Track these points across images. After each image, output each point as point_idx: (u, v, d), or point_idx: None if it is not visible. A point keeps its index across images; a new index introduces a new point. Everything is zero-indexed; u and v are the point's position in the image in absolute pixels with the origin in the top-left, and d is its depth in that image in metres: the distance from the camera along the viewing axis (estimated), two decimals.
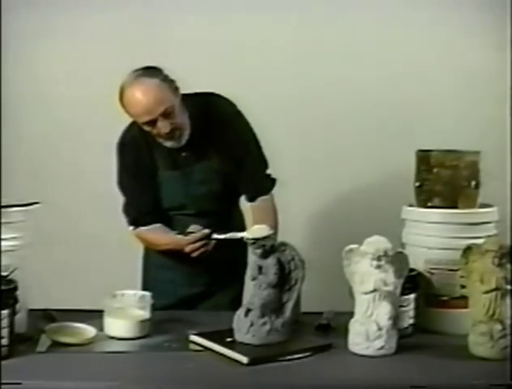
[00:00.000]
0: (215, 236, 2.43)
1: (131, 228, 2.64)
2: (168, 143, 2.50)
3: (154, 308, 2.22)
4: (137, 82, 2.41)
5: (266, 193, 2.65)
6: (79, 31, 3.34)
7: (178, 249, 2.49)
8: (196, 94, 2.59)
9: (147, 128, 2.45)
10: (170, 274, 2.63)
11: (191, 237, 2.45)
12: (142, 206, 2.60)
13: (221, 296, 2.63)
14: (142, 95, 2.39)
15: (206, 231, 2.45)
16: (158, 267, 2.68)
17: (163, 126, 2.42)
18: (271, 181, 2.67)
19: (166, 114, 2.40)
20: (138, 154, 2.56)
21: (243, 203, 2.72)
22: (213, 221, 2.52)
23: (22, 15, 3.29)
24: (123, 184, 2.61)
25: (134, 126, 2.51)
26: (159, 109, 2.39)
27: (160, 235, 2.59)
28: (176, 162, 2.55)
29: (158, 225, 2.60)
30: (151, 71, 2.44)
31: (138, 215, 2.61)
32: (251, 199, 2.66)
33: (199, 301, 2.65)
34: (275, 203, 2.67)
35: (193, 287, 2.65)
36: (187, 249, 2.46)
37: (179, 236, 2.48)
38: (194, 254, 2.47)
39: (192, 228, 2.48)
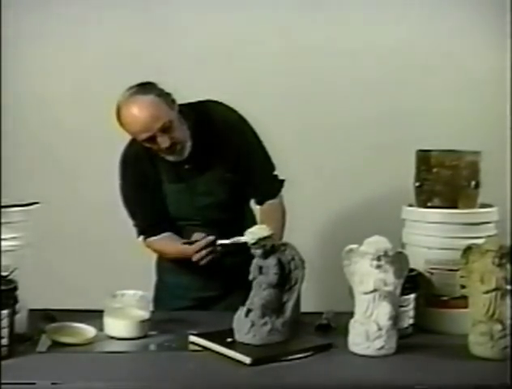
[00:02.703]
0: (220, 241, 2.40)
1: (140, 238, 2.64)
2: (171, 158, 2.49)
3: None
4: (131, 100, 2.39)
5: (273, 196, 2.64)
6: (79, 30, 3.34)
7: (186, 258, 2.48)
8: (194, 103, 2.57)
9: (147, 145, 2.44)
10: (185, 279, 2.62)
11: (196, 246, 2.44)
12: (150, 216, 2.59)
13: (236, 297, 2.57)
14: (138, 113, 2.37)
15: (211, 238, 2.43)
16: (172, 272, 2.66)
17: (162, 142, 2.40)
18: (279, 183, 2.66)
19: (164, 129, 2.39)
20: (141, 168, 2.55)
21: (253, 204, 2.72)
22: (223, 229, 2.50)
23: (21, 15, 3.29)
24: (129, 198, 2.59)
25: (135, 142, 2.50)
26: (156, 125, 2.37)
27: (167, 245, 2.59)
28: (179, 175, 2.54)
29: (167, 234, 2.59)
30: (145, 88, 2.41)
31: (145, 225, 2.61)
32: (259, 203, 2.66)
33: (213, 302, 2.64)
34: (283, 205, 2.66)
35: (207, 291, 2.64)
36: (194, 258, 2.45)
37: (185, 245, 2.47)
38: (202, 262, 2.46)
39: (196, 236, 2.47)
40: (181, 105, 2.49)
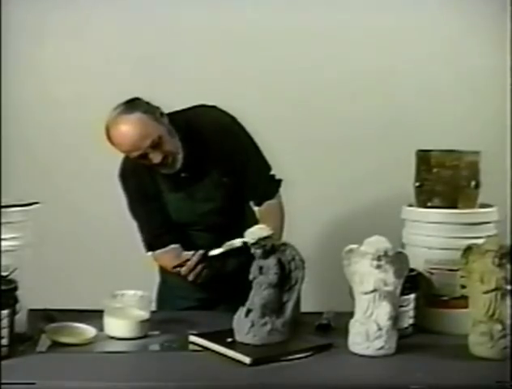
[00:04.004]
0: (211, 253, 2.41)
1: (150, 253, 2.63)
2: (164, 170, 2.49)
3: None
4: (119, 120, 2.38)
5: (271, 197, 2.63)
6: (81, 30, 3.34)
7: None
8: (186, 109, 2.57)
9: (139, 161, 2.44)
10: (188, 280, 2.63)
11: (187, 267, 2.44)
12: (154, 228, 2.59)
13: (239, 298, 2.55)
14: (126, 132, 2.37)
15: (200, 252, 2.43)
16: (175, 273, 2.67)
17: (154, 157, 2.40)
18: (276, 184, 2.65)
19: (154, 145, 2.39)
20: (140, 180, 2.55)
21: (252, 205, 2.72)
22: (226, 232, 2.49)
23: (22, 14, 3.29)
24: (133, 211, 2.60)
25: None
26: (145, 143, 2.37)
27: (168, 261, 2.57)
28: (177, 184, 2.54)
29: (174, 246, 2.58)
30: (131, 105, 2.40)
31: (151, 237, 2.60)
32: (258, 204, 2.66)
33: (216, 303, 2.63)
34: (282, 204, 2.66)
35: (210, 291, 2.63)
36: (182, 272, 2.45)
37: (176, 268, 2.47)
38: (190, 278, 2.45)
39: (184, 255, 2.47)
40: (172, 114, 2.49)
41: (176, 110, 2.53)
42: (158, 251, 2.62)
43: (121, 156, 2.57)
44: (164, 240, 2.59)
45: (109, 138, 2.42)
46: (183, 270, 2.46)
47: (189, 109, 2.59)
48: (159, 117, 2.43)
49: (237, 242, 2.20)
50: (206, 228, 2.60)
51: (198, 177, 2.54)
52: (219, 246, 2.44)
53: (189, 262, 2.44)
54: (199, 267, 2.45)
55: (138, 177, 2.55)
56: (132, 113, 2.38)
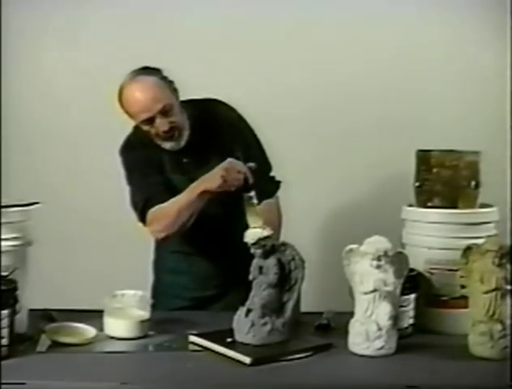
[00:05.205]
0: (251, 192, 2.30)
1: (143, 223, 2.51)
2: (168, 145, 2.48)
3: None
4: (135, 80, 2.42)
5: (269, 196, 2.63)
6: (80, 30, 3.34)
7: (208, 188, 2.36)
8: (196, 100, 2.59)
9: (145, 127, 2.43)
10: (182, 278, 2.62)
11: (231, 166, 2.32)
12: (152, 189, 2.47)
13: (233, 296, 2.52)
14: (140, 92, 2.39)
15: (250, 178, 2.32)
16: (170, 272, 2.66)
17: (161, 124, 2.41)
18: (276, 184, 2.66)
19: (164, 112, 2.40)
20: (145, 152, 2.51)
21: None
22: (223, 224, 2.50)
23: (23, 15, 3.29)
24: (131, 179, 2.52)
25: (138, 131, 2.50)
26: (157, 107, 2.39)
27: (173, 200, 2.41)
28: (180, 168, 2.53)
29: None
30: (149, 70, 2.45)
31: (147, 196, 2.45)
32: None
33: (211, 302, 2.63)
34: (280, 206, 2.66)
35: (205, 290, 2.63)
36: (223, 173, 2.32)
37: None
38: (217, 183, 2.33)
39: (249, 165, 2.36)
40: (181, 102, 2.50)
41: (185, 99, 2.53)
42: (154, 208, 2.44)
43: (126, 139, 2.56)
44: (161, 198, 2.43)
45: (121, 98, 2.43)
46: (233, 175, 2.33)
47: (199, 100, 2.60)
48: (173, 90, 2.47)
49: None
50: (203, 216, 2.57)
51: (200, 164, 2.51)
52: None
53: (241, 165, 2.33)
54: (241, 177, 2.33)
55: (143, 149, 2.51)
56: (149, 76, 2.42)
